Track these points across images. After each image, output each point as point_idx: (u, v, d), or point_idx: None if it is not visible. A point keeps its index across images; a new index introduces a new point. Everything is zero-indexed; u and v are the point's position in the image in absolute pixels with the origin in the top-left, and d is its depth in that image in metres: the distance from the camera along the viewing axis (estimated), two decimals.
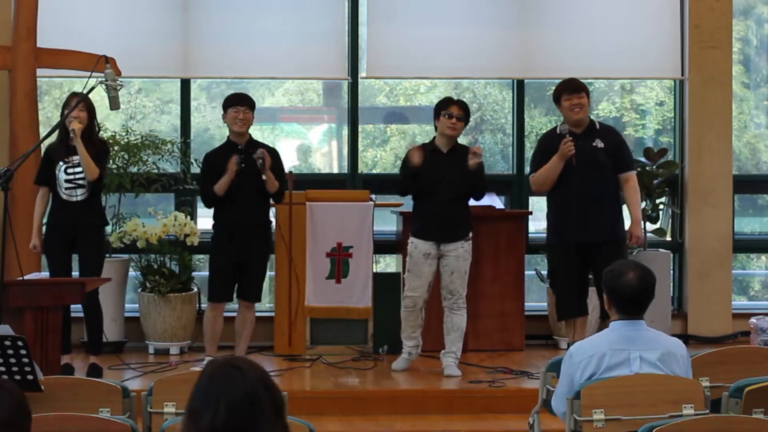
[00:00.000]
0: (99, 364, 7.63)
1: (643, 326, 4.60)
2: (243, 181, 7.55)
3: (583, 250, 7.31)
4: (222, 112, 7.76)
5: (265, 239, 7.78)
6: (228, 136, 7.79)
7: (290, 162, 9.85)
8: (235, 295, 7.83)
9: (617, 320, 4.61)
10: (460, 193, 7.61)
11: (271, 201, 7.82)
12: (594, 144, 7.40)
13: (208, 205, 7.90)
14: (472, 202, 7.85)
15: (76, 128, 7.31)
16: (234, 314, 7.95)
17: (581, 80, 7.58)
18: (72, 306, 7.22)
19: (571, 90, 7.40)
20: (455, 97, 8.02)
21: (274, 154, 7.73)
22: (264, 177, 7.50)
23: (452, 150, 7.65)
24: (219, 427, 2.61)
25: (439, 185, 7.56)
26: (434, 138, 7.77)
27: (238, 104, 7.65)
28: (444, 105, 7.68)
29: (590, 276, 7.51)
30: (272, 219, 7.87)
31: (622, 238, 7.40)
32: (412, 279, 7.71)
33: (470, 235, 7.68)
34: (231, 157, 7.55)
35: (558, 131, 7.47)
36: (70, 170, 7.47)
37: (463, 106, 7.70)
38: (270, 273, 8.63)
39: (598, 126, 7.54)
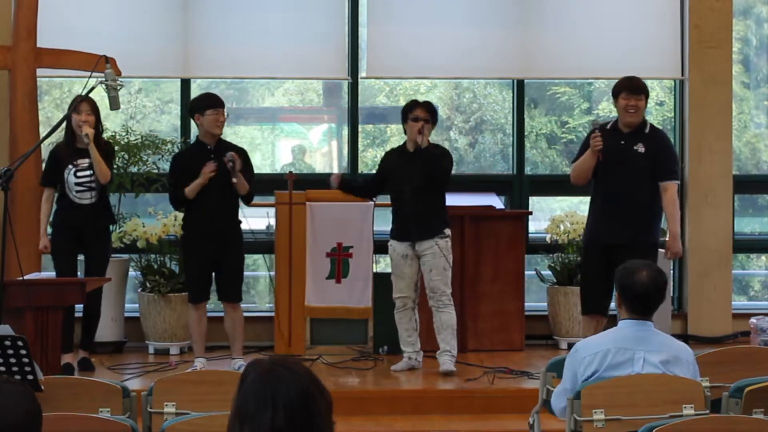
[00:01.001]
0: (89, 358, 7.73)
1: (651, 327, 4.60)
2: (212, 183, 7.51)
3: (609, 251, 7.14)
4: (193, 113, 7.69)
5: (237, 239, 7.70)
6: (197, 136, 7.77)
7: (288, 161, 9.85)
8: (218, 297, 7.84)
9: (626, 319, 4.61)
10: (427, 191, 7.63)
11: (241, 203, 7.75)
12: (635, 147, 7.20)
13: (176, 207, 7.93)
14: (466, 202, 7.85)
15: (90, 133, 7.37)
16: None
17: (643, 81, 7.36)
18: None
19: (631, 90, 7.20)
20: (421, 99, 8.05)
21: (243, 155, 7.66)
22: (234, 180, 7.45)
23: (418, 150, 7.66)
24: (279, 428, 2.60)
25: (404, 186, 7.64)
26: (405, 142, 7.83)
27: (218, 106, 7.61)
28: (410, 109, 7.73)
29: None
30: (242, 219, 7.80)
31: (649, 245, 7.15)
32: (396, 281, 7.79)
33: (446, 231, 7.69)
34: (202, 158, 7.53)
35: (591, 126, 7.40)
36: (80, 173, 7.52)
37: (429, 108, 7.74)
38: (270, 273, 8.64)
39: (647, 129, 7.30)
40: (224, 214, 7.60)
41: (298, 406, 2.62)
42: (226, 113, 7.66)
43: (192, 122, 9.19)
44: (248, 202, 7.76)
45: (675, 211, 7.31)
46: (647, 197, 7.22)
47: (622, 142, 7.22)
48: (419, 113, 7.67)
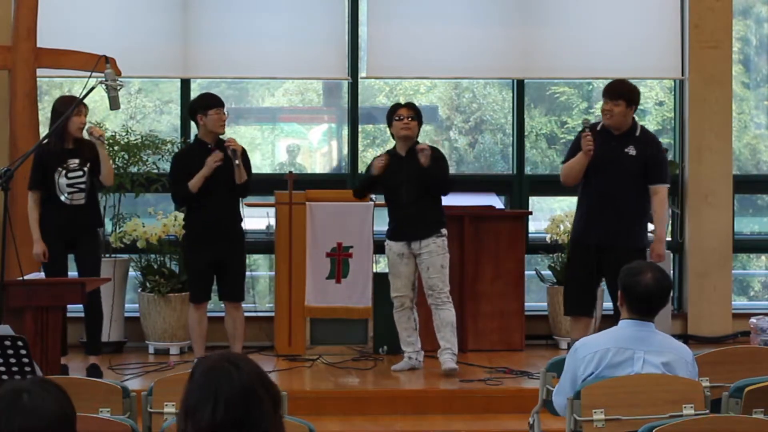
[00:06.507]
0: (98, 365, 7.64)
1: (652, 328, 4.60)
2: (214, 181, 7.52)
3: (596, 252, 7.19)
4: (195, 113, 7.69)
5: (239, 238, 7.71)
6: (197, 136, 7.77)
7: (285, 160, 9.86)
8: (218, 297, 7.83)
9: (627, 319, 4.61)
10: (422, 193, 7.64)
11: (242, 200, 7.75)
12: (626, 150, 7.21)
13: (180, 205, 7.92)
14: (466, 202, 7.85)
15: (103, 135, 7.35)
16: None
17: (624, 86, 7.31)
18: (72, 306, 7.22)
19: (609, 96, 7.23)
20: (421, 99, 8.09)
21: (242, 153, 7.65)
22: (237, 162, 7.45)
23: (411, 152, 7.67)
24: (219, 422, 2.62)
25: (401, 188, 7.65)
26: (395, 145, 7.84)
27: (220, 105, 7.63)
28: (393, 110, 7.79)
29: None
30: (243, 217, 7.81)
31: (636, 248, 7.13)
32: (393, 280, 7.80)
33: (442, 231, 7.70)
34: (203, 157, 7.50)
35: (582, 126, 7.41)
36: (71, 174, 7.47)
37: (412, 107, 7.80)
38: (270, 273, 8.64)
39: (638, 132, 7.31)
40: (226, 213, 7.60)
41: (240, 401, 2.64)
42: (226, 112, 7.68)
43: (192, 122, 9.23)
44: (243, 196, 7.73)
45: (664, 214, 7.37)
46: (636, 200, 7.24)
47: (613, 144, 7.24)
48: (403, 112, 7.71)
